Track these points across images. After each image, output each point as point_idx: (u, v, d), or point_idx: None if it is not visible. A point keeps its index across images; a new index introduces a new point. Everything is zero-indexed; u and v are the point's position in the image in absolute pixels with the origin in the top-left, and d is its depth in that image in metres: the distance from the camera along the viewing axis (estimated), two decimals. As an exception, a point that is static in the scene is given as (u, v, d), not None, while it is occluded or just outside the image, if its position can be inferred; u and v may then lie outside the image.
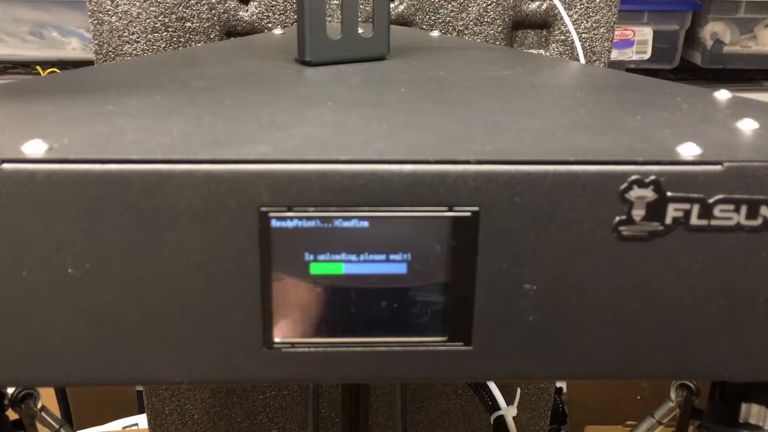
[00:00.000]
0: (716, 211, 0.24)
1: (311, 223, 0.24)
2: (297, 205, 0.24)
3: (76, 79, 0.37)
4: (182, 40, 0.69)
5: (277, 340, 0.25)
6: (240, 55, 0.47)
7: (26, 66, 1.12)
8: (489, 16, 0.71)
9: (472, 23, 0.71)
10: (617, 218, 0.24)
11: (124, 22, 0.67)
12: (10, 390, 0.50)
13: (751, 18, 1.24)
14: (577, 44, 0.68)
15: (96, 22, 0.67)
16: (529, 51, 0.74)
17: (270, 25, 0.70)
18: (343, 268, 0.25)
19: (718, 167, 0.24)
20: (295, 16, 0.69)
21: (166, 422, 0.84)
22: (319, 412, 0.84)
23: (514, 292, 0.25)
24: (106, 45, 0.68)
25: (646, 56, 1.21)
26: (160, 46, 0.69)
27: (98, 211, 0.23)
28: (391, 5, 0.70)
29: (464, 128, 0.28)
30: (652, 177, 0.24)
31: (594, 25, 0.72)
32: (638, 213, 0.24)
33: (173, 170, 0.23)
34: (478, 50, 0.53)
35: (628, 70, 1.20)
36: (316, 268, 0.25)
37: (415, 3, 0.70)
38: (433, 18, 0.71)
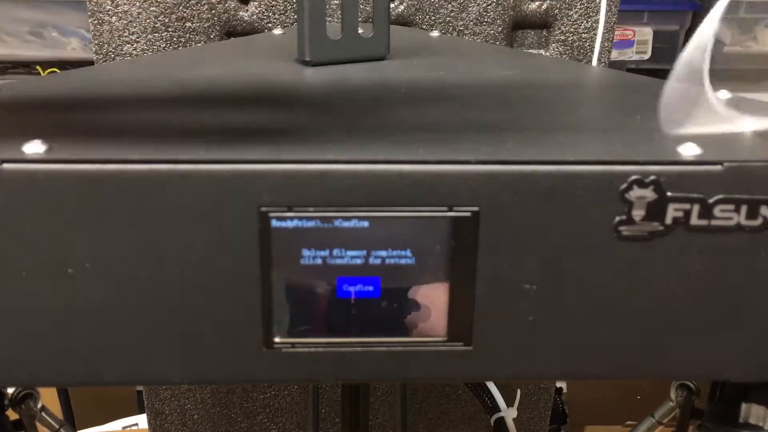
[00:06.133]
0: (716, 211, 0.24)
1: (311, 223, 0.24)
2: (297, 205, 0.24)
3: (76, 79, 0.37)
4: (182, 40, 0.69)
5: (277, 340, 0.25)
6: (240, 55, 0.47)
7: (26, 66, 1.12)
8: (489, 16, 0.71)
9: (472, 23, 0.71)
10: (617, 218, 0.24)
11: (124, 22, 0.67)
12: (10, 390, 0.50)
13: (751, 18, 1.24)
14: (596, 49, 0.68)
15: (96, 22, 0.67)
16: (529, 51, 0.74)
17: (270, 25, 0.70)
18: (343, 269, 0.25)
19: (718, 167, 0.24)
20: (295, 16, 0.69)
21: (166, 422, 0.84)
22: (319, 412, 0.84)
23: (514, 292, 0.25)
24: (106, 45, 0.68)
25: (646, 56, 1.21)
26: (160, 46, 0.69)
27: (98, 211, 0.23)
28: (391, 5, 0.70)
29: (464, 128, 0.28)
30: (652, 177, 0.24)
31: (594, 25, 0.72)
32: (638, 213, 0.24)
33: (173, 170, 0.23)
34: (478, 50, 0.53)
35: (628, 70, 1.20)
36: (316, 268, 0.25)
37: (415, 3, 0.70)
38: (433, 18, 0.71)
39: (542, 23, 0.74)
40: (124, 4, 0.67)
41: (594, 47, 0.72)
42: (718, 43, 1.22)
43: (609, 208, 0.24)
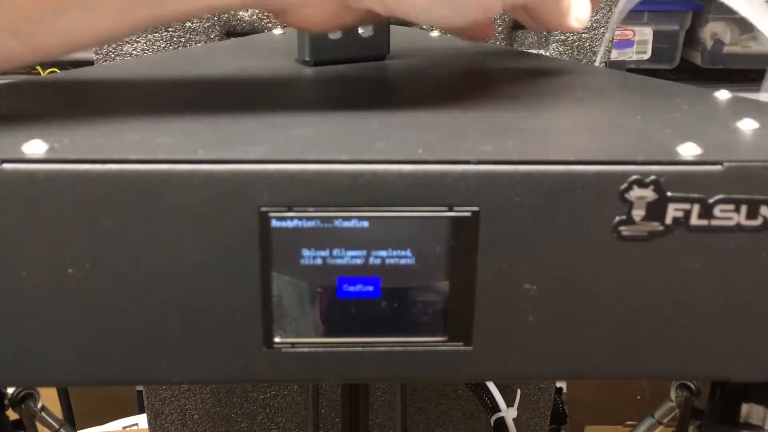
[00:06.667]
0: (716, 211, 0.24)
1: (311, 223, 0.24)
2: (297, 205, 0.24)
3: (76, 79, 0.37)
4: (182, 40, 0.69)
5: (277, 340, 0.25)
6: (240, 55, 0.47)
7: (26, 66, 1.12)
8: (489, 16, 0.71)
9: (472, 23, 0.71)
10: (617, 218, 0.24)
11: (124, 22, 0.67)
12: (10, 390, 0.50)
13: (751, 18, 1.23)
14: (600, 54, 0.68)
15: (96, 22, 0.67)
16: (529, 51, 0.74)
17: (270, 25, 0.70)
18: (343, 269, 0.25)
19: (718, 167, 0.24)
20: (295, 16, 0.69)
21: (166, 422, 0.84)
22: (319, 412, 0.84)
23: (514, 292, 0.25)
24: (106, 45, 0.68)
25: (646, 56, 1.21)
26: (160, 46, 0.69)
27: (98, 211, 0.23)
28: (391, 5, 0.70)
29: (464, 128, 0.28)
30: (652, 177, 0.24)
31: (594, 25, 0.72)
32: (638, 213, 0.24)
33: (173, 170, 0.23)
34: (478, 50, 0.53)
35: (628, 70, 1.20)
36: (316, 268, 0.25)
37: (415, 3, 0.70)
38: (433, 18, 0.71)
39: (542, 23, 0.73)
40: (124, 4, 0.67)
41: (594, 47, 0.72)
42: (718, 43, 1.22)
43: (609, 208, 0.24)
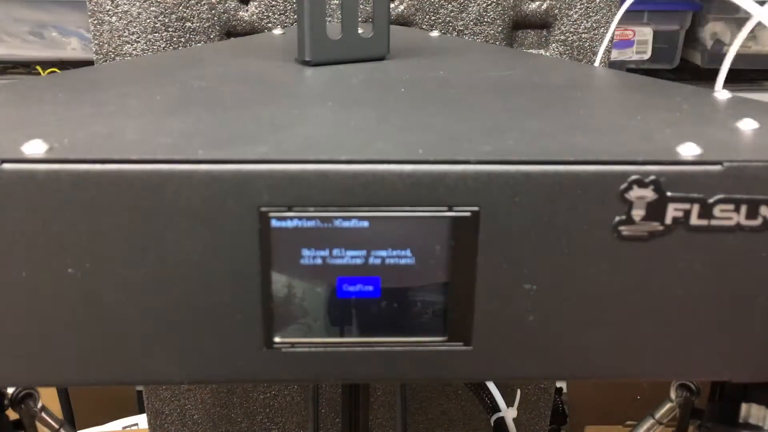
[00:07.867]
0: (716, 211, 0.24)
1: (311, 223, 0.24)
2: (297, 205, 0.24)
3: (76, 79, 0.37)
4: (182, 40, 0.69)
5: (277, 340, 0.25)
6: (240, 55, 0.47)
7: (26, 66, 1.12)
8: (489, 16, 0.71)
9: (472, 23, 0.71)
10: (617, 218, 0.24)
11: (124, 22, 0.67)
12: (10, 390, 0.50)
13: (751, 18, 1.23)
14: (599, 55, 0.68)
15: (96, 22, 0.67)
16: (529, 51, 0.74)
17: (270, 25, 0.70)
18: (343, 269, 0.25)
19: (718, 167, 0.24)
20: (295, 16, 0.69)
21: (166, 422, 0.84)
22: (319, 412, 0.84)
23: (514, 292, 0.25)
24: (106, 45, 0.68)
25: (646, 56, 1.21)
26: (160, 46, 0.69)
27: (98, 211, 0.23)
28: (391, 5, 0.70)
29: (464, 128, 0.28)
30: (652, 177, 0.24)
31: (594, 25, 0.72)
32: (638, 213, 0.24)
33: (173, 170, 0.23)
34: (478, 50, 0.53)
35: (628, 70, 1.20)
36: (316, 268, 0.25)
37: (415, 3, 0.70)
38: (433, 18, 0.71)
39: (542, 23, 0.74)
40: (124, 4, 0.67)
41: (594, 47, 0.72)
42: (717, 43, 1.22)
43: (609, 208, 0.24)
